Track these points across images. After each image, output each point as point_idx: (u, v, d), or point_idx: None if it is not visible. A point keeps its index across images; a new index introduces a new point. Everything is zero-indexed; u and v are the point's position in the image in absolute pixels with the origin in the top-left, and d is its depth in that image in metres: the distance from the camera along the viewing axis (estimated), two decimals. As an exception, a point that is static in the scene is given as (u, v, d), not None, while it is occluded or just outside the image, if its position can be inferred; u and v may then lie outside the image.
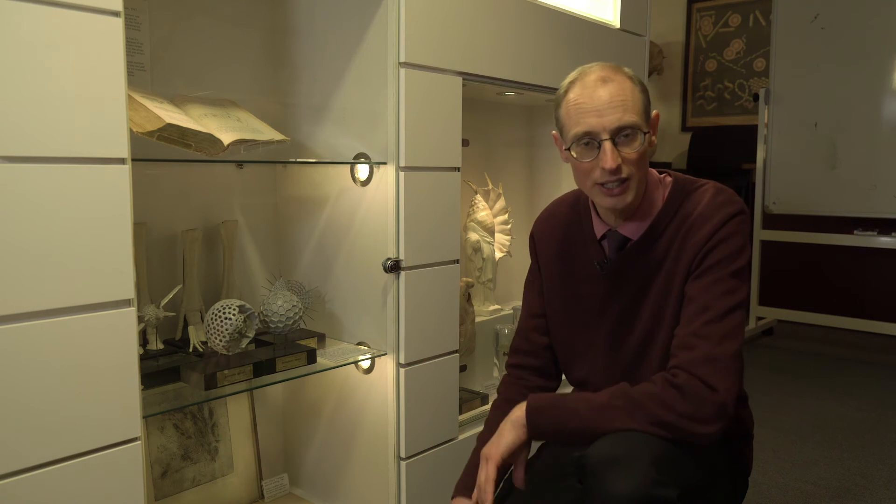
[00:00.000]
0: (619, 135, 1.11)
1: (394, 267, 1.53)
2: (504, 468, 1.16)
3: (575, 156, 1.14)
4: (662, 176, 1.24)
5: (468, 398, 1.86)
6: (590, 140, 1.12)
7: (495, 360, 2.13)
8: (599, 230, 1.26)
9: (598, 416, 1.07)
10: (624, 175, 1.12)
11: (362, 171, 1.60)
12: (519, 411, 1.15)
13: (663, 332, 1.18)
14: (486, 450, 1.15)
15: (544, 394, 1.17)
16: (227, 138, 1.37)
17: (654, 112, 1.18)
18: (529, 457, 1.31)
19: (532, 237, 1.40)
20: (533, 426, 1.13)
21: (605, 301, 1.25)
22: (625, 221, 1.21)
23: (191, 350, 1.50)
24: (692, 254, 1.14)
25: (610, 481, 0.99)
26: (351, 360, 1.58)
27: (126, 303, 1.12)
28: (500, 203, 2.22)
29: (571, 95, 1.14)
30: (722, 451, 1.20)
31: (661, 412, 1.04)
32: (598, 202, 1.20)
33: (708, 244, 1.13)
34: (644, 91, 1.16)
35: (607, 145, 1.11)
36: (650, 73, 3.77)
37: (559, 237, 1.33)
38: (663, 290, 1.18)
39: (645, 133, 1.13)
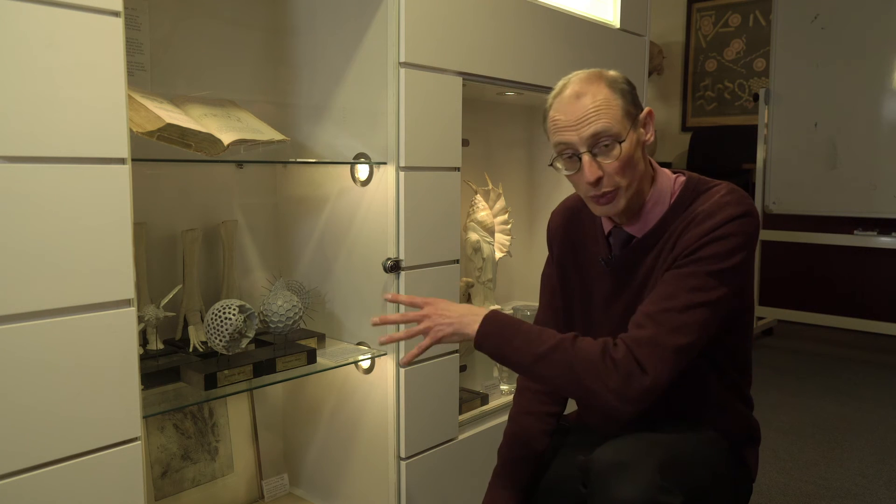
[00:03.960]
0: (597, 145, 1.13)
1: (394, 267, 1.53)
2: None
3: (560, 167, 1.17)
4: (676, 176, 1.23)
5: (468, 398, 1.86)
6: (572, 153, 1.15)
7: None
8: (607, 226, 1.26)
9: (534, 362, 1.10)
10: (606, 188, 1.14)
11: (362, 171, 1.60)
12: (475, 319, 1.16)
13: None
14: (435, 326, 1.16)
15: (501, 316, 1.17)
16: (227, 138, 1.37)
17: (645, 109, 1.17)
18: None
19: (549, 227, 1.40)
20: (478, 344, 1.16)
21: (610, 297, 1.25)
22: (629, 220, 1.21)
23: (191, 350, 1.50)
24: (683, 246, 1.12)
25: (615, 487, 0.99)
26: (351, 360, 1.58)
27: (126, 303, 1.12)
28: (500, 203, 2.22)
29: (552, 112, 1.17)
30: (725, 457, 1.19)
31: (589, 379, 1.06)
32: (593, 210, 1.22)
33: (702, 240, 1.11)
34: (625, 94, 1.14)
35: (586, 158, 1.13)
36: (650, 73, 3.77)
37: (573, 230, 1.34)
38: None
39: (620, 142, 1.12)
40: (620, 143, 1.12)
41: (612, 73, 1.16)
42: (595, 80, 1.14)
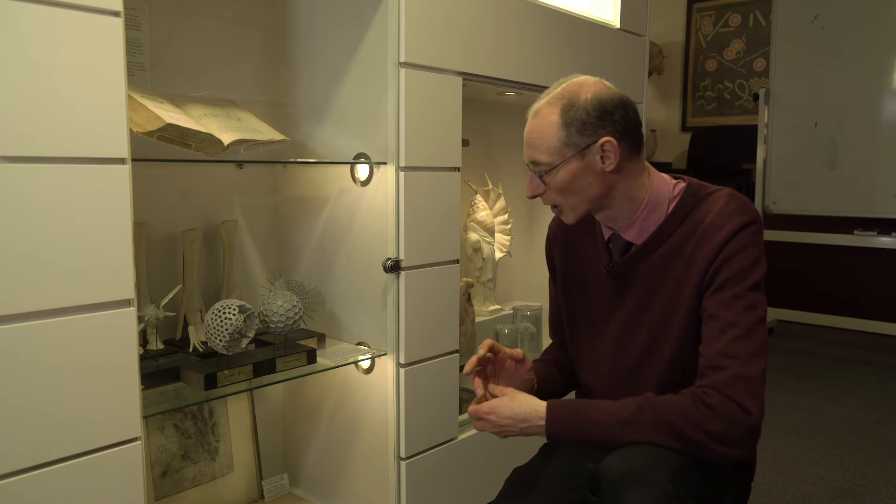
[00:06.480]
0: (535, 168, 1.17)
1: (394, 267, 1.53)
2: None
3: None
4: (676, 182, 1.22)
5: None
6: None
7: (495, 360, 2.13)
8: (606, 232, 1.26)
9: (623, 429, 1.06)
10: (548, 203, 1.20)
11: (362, 171, 1.60)
12: (538, 416, 1.12)
13: (670, 338, 1.17)
14: (500, 431, 1.16)
15: (564, 400, 1.14)
16: (227, 138, 1.37)
17: (600, 140, 1.12)
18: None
19: (548, 238, 1.40)
20: (553, 436, 1.11)
21: (611, 304, 1.25)
22: (627, 226, 1.21)
23: (191, 350, 1.50)
24: (704, 265, 1.12)
25: (629, 496, 0.98)
26: (351, 360, 1.58)
27: (126, 303, 1.12)
28: (500, 203, 2.22)
29: None
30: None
31: (690, 430, 1.02)
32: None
33: (721, 255, 1.10)
34: (573, 124, 1.12)
35: (530, 175, 1.19)
36: (650, 73, 3.77)
37: (572, 237, 1.33)
38: (672, 296, 1.16)
39: (549, 171, 1.14)
40: (550, 171, 1.15)
41: (581, 97, 1.13)
42: (553, 104, 1.14)
